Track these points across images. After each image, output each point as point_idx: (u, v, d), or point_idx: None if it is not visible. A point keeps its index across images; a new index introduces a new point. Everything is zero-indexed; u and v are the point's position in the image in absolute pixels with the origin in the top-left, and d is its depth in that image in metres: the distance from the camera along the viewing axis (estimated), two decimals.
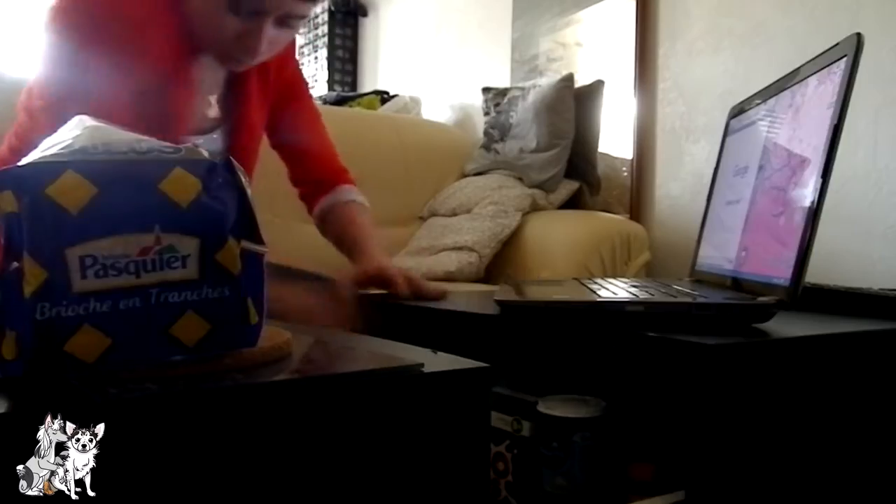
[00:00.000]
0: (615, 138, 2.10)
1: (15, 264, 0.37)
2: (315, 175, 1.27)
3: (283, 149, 1.26)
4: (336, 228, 1.23)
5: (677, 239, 1.95)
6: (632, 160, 2.05)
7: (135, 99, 0.94)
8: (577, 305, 0.74)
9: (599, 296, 0.77)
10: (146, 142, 0.43)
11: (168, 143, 0.44)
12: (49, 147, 0.42)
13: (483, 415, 0.52)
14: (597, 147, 2.10)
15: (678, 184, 1.97)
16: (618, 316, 0.69)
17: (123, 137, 0.43)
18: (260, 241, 0.44)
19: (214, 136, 1.11)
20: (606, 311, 0.71)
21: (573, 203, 2.08)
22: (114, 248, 0.37)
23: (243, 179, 0.43)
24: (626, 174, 2.07)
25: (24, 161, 0.40)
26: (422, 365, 0.50)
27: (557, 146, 2.04)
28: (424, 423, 0.48)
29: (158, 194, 0.39)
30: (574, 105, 2.06)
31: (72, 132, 0.44)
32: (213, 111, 1.10)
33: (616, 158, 2.11)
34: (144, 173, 0.39)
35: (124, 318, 0.39)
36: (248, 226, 0.43)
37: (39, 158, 0.40)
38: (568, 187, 2.07)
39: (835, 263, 1.49)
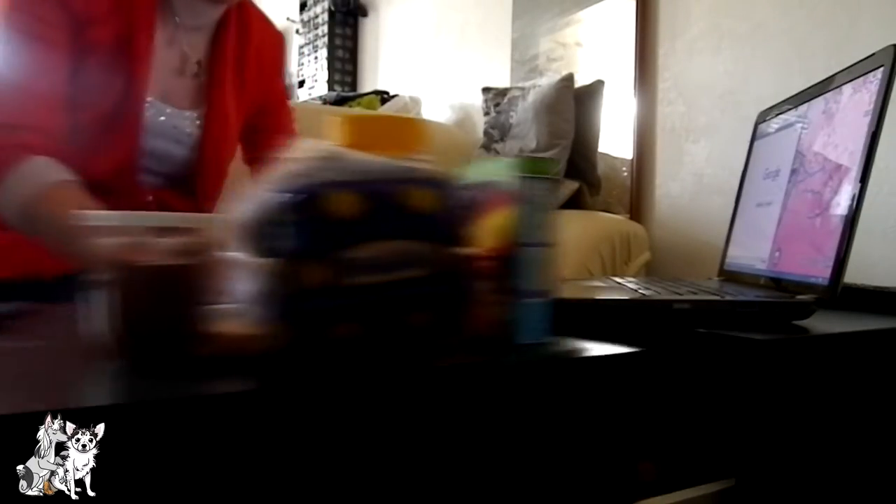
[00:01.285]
0: (615, 138, 2.10)
1: (275, 260, 0.44)
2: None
3: (254, 166, 1.25)
4: None
5: (677, 239, 1.95)
6: (632, 160, 2.05)
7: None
8: (626, 304, 0.76)
9: (644, 294, 0.78)
10: (391, 162, 0.49)
11: (408, 164, 0.51)
12: (303, 168, 0.47)
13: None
14: (597, 147, 2.10)
15: (678, 184, 1.97)
16: (665, 314, 0.73)
17: (370, 162, 0.50)
18: (467, 245, 0.51)
19: (187, 113, 1.10)
20: (655, 309, 0.74)
21: (573, 203, 2.08)
22: (371, 251, 0.45)
23: (466, 194, 0.51)
24: (626, 174, 2.07)
25: (304, 177, 0.46)
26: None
27: (557, 146, 2.04)
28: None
29: (407, 208, 0.46)
30: (574, 105, 2.06)
31: (314, 156, 0.48)
32: (190, 73, 1.09)
33: (616, 158, 2.11)
34: (397, 190, 0.47)
35: (374, 310, 0.45)
36: (465, 231, 0.50)
37: (317, 177, 0.46)
38: (568, 187, 2.07)
39: None
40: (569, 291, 0.89)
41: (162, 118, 1.07)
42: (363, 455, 0.44)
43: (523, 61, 2.49)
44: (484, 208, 0.56)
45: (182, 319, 0.47)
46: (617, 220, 1.95)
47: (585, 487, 0.55)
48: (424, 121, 2.62)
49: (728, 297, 0.74)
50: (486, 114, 2.31)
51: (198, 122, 1.11)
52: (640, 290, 0.83)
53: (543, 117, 2.06)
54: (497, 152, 2.21)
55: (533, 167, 0.53)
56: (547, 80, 2.15)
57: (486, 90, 2.36)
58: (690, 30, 1.94)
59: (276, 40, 1.25)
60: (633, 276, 1.80)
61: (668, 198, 2.00)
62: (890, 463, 0.72)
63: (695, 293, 0.77)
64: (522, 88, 2.22)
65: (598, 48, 2.20)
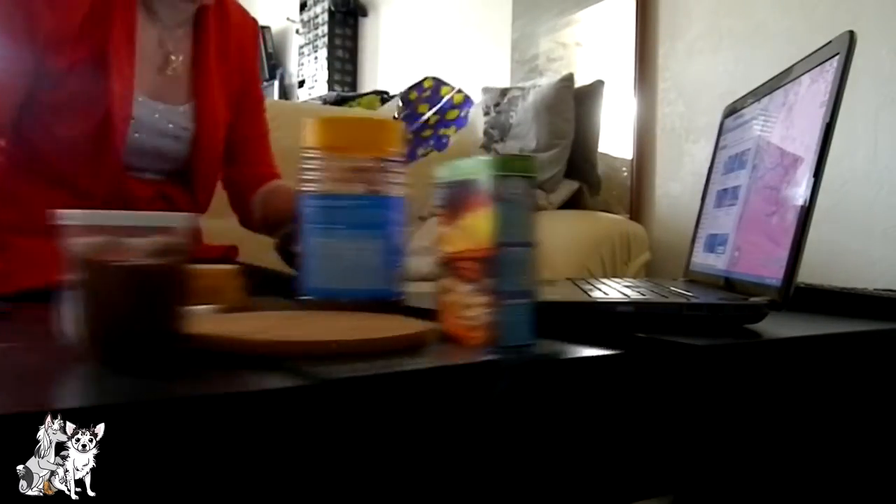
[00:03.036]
0: (615, 138, 2.10)
1: None
2: (253, 169, 1.23)
3: (232, 190, 1.25)
4: (277, 203, 1.15)
5: (677, 239, 1.95)
6: (632, 160, 2.05)
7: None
8: (569, 306, 0.72)
9: (591, 296, 0.76)
10: None
11: None
12: None
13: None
14: (597, 147, 2.10)
15: (678, 184, 1.97)
16: (608, 316, 0.68)
17: None
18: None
19: (181, 109, 1.12)
20: (597, 311, 0.69)
21: (573, 203, 2.08)
22: None
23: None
24: (626, 174, 2.07)
25: None
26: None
27: (557, 146, 2.04)
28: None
29: None
30: (574, 105, 2.06)
31: None
32: (173, 70, 1.11)
33: (616, 158, 2.11)
34: None
35: None
36: None
37: None
38: (568, 187, 2.07)
39: (834, 263, 1.49)
40: None
41: (156, 115, 1.09)
42: (349, 456, 0.43)
43: (523, 61, 2.49)
44: (464, 208, 0.54)
45: (156, 320, 0.46)
46: (617, 221, 1.94)
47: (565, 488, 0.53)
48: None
49: (674, 300, 0.69)
50: (486, 114, 2.31)
51: (191, 116, 1.13)
52: (591, 292, 0.80)
53: (543, 117, 2.06)
54: (497, 152, 2.21)
55: (511, 165, 0.51)
56: (547, 80, 2.15)
57: (486, 90, 2.36)
58: (690, 30, 1.94)
59: (252, 29, 1.28)
60: (633, 277, 1.80)
61: (668, 198, 2.00)
62: (841, 472, 0.68)
63: (643, 295, 0.73)
64: (522, 88, 2.22)
65: (597, 48, 2.20)
